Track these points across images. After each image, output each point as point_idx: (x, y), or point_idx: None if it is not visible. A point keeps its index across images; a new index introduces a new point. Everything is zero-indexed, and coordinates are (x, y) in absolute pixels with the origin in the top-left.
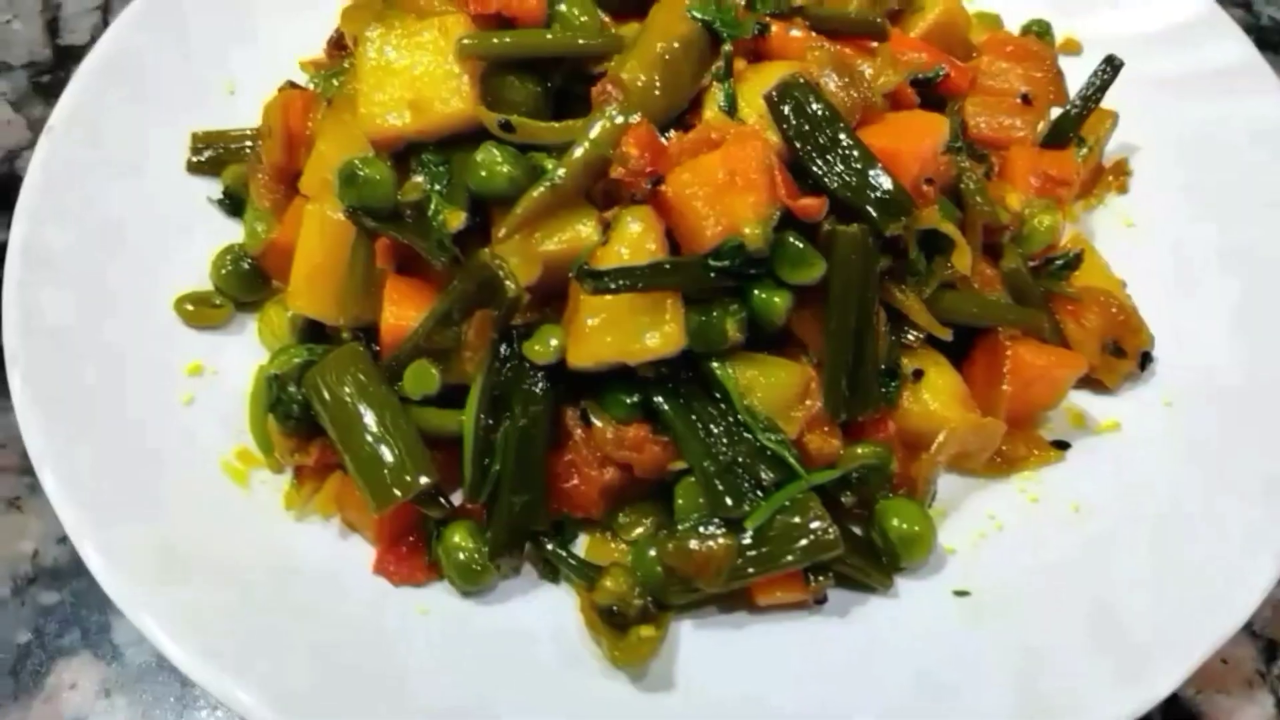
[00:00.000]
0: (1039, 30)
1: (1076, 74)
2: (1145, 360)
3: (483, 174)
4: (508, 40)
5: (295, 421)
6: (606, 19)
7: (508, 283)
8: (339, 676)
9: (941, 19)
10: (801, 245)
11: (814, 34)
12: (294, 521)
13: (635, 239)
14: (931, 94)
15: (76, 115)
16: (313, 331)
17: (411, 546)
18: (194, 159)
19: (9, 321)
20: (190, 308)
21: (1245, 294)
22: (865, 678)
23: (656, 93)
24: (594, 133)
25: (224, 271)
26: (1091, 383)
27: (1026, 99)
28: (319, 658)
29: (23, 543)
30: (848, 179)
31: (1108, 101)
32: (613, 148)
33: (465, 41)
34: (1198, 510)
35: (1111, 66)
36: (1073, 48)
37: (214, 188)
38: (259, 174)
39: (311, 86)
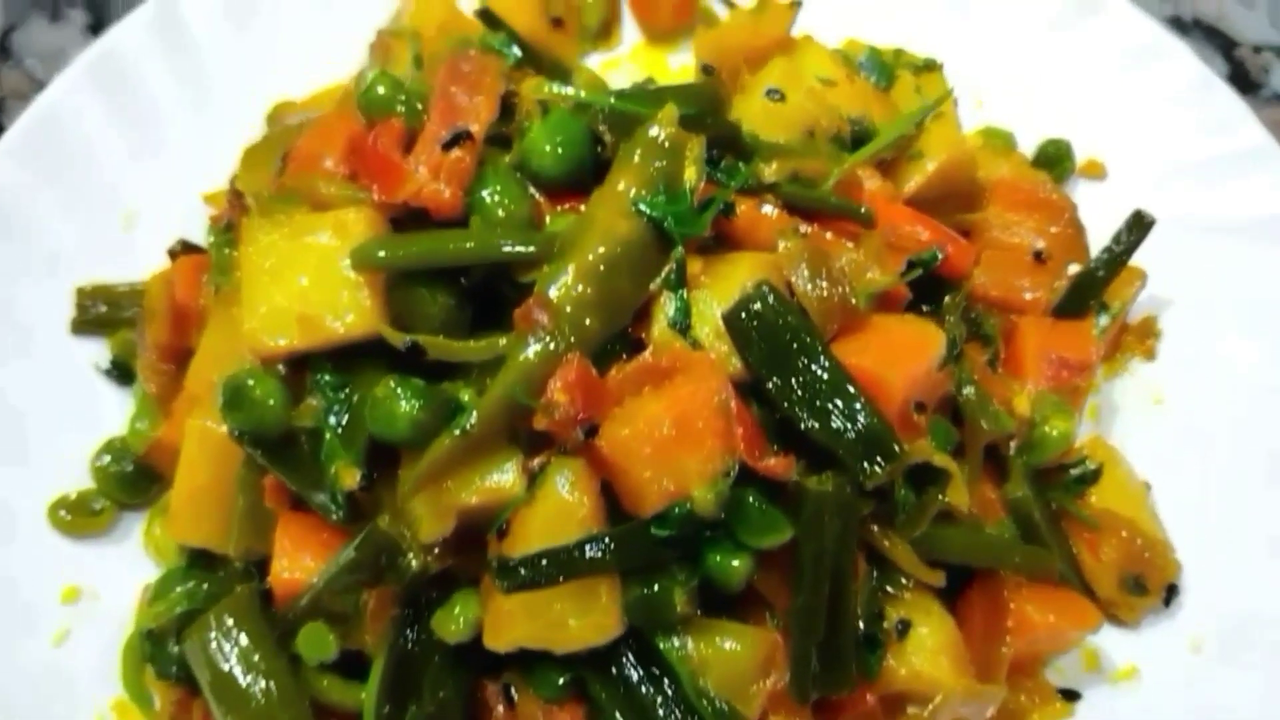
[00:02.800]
0: (1055, 151)
1: (1099, 202)
2: (1170, 595)
3: (383, 416)
4: (415, 250)
5: (168, 677)
6: (540, 199)
7: (410, 557)
8: None
9: (945, 168)
10: (764, 507)
11: (786, 213)
12: None
13: (563, 503)
14: (924, 277)
15: None
16: (202, 553)
17: None
18: (79, 319)
19: None
20: (67, 516)
21: None
22: None
23: (591, 315)
24: (515, 367)
25: (104, 471)
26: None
27: (1040, 256)
28: None
29: None
30: (822, 416)
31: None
32: (538, 387)
33: (361, 252)
34: None
35: (1141, 224)
36: (1095, 171)
37: (101, 351)
38: (144, 351)
39: (208, 240)
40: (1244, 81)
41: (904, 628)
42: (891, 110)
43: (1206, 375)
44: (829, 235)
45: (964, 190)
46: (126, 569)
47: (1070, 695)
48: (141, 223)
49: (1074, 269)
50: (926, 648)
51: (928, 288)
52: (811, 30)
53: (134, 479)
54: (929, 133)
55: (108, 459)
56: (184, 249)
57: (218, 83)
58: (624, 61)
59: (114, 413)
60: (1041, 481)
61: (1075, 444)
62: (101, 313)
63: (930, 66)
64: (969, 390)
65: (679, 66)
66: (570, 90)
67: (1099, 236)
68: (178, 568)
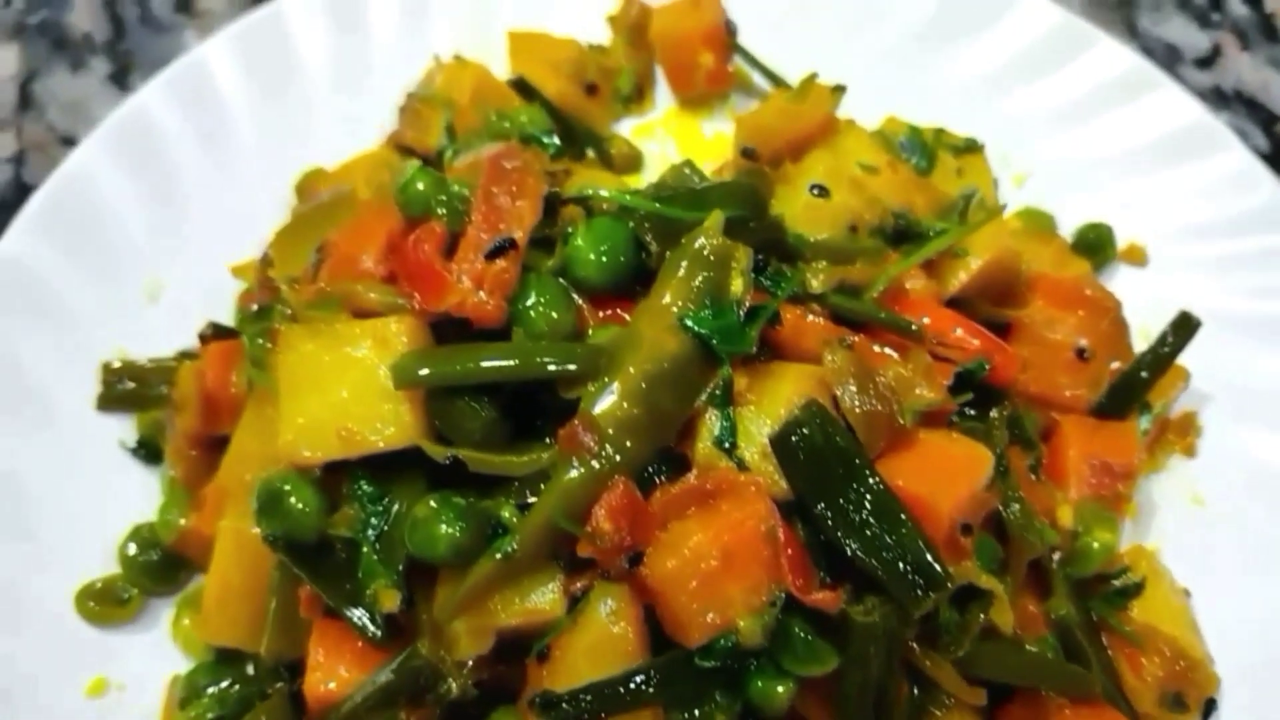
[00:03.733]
0: (1095, 236)
1: (1139, 287)
2: (1209, 709)
3: (423, 538)
4: (457, 366)
5: None
6: (583, 305)
7: (450, 681)
8: None
9: (989, 267)
10: (809, 637)
11: (831, 322)
12: None
13: (607, 632)
14: (972, 382)
15: None
16: (226, 652)
17: None
18: (105, 395)
19: None
20: (94, 605)
21: None
22: None
23: (634, 438)
24: (559, 493)
25: (132, 560)
26: None
27: (1083, 354)
28: None
29: None
30: (869, 543)
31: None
32: (582, 512)
33: (402, 368)
34: None
35: (1187, 326)
36: (1137, 257)
37: (127, 429)
38: (173, 438)
39: (237, 321)
40: None
41: None
42: (933, 196)
43: (1246, 475)
44: (875, 347)
45: (1007, 285)
46: (154, 659)
47: None
48: (167, 294)
49: (1116, 366)
50: None
51: (972, 396)
52: (851, 109)
53: (162, 567)
54: (980, 229)
55: (135, 548)
56: (214, 333)
57: (244, 148)
58: (656, 127)
59: (140, 492)
60: (1083, 592)
61: (1118, 553)
62: (128, 389)
63: (971, 148)
64: (1015, 508)
65: (713, 134)
66: (613, 192)
67: (1137, 322)
68: (206, 663)
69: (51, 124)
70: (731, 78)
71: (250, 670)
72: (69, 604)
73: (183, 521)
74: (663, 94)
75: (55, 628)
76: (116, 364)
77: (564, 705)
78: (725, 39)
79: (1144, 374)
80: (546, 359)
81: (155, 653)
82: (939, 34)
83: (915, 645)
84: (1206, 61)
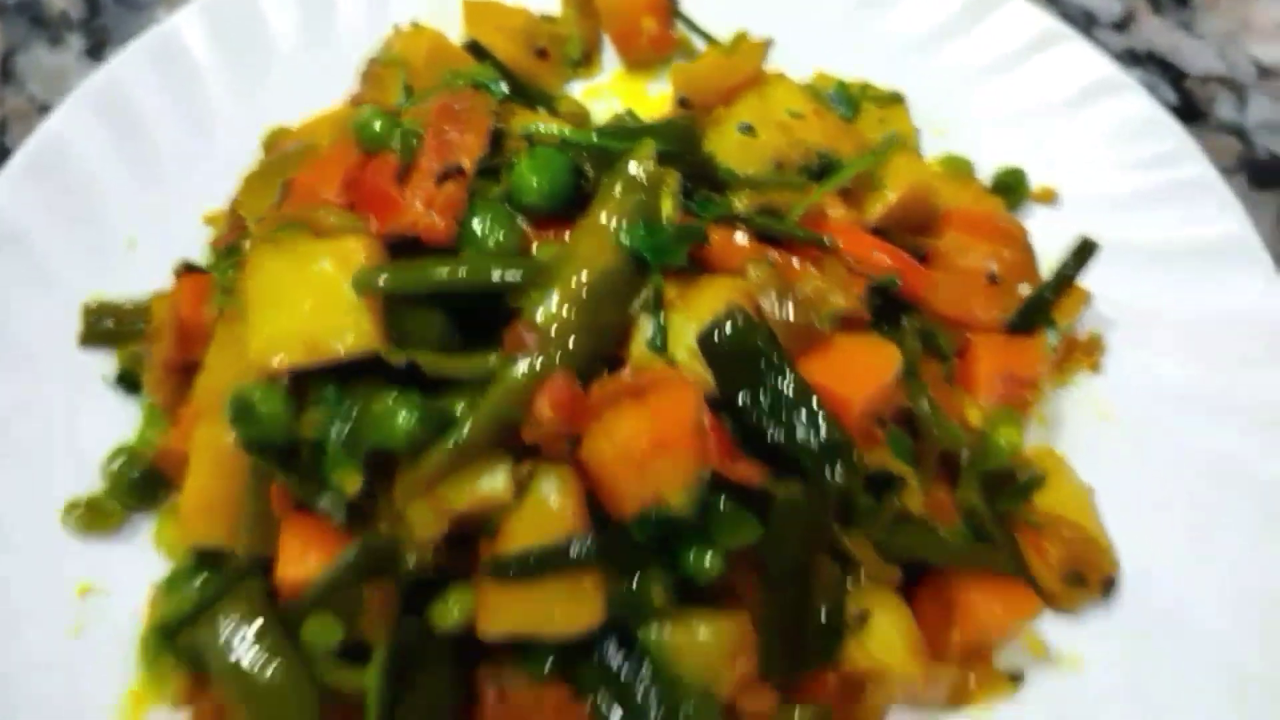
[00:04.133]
0: (1010, 180)
1: (1050, 227)
2: (1108, 587)
3: (382, 428)
4: (412, 276)
5: (188, 667)
6: (527, 228)
7: (408, 555)
8: None
9: (906, 198)
10: (735, 510)
11: (756, 242)
12: None
13: (549, 509)
14: (886, 299)
15: None
16: (206, 554)
17: None
18: (87, 333)
19: None
20: (79, 518)
21: (1231, 518)
22: None
23: (575, 337)
24: (504, 386)
25: (116, 478)
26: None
27: (994, 278)
28: None
29: None
30: (788, 428)
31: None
32: (525, 404)
33: (362, 278)
34: None
35: (1086, 250)
36: (1048, 197)
37: (108, 363)
38: (151, 366)
39: (209, 262)
40: (1192, 110)
41: (863, 617)
42: (858, 141)
43: (1148, 392)
44: (796, 262)
45: (924, 217)
46: (137, 567)
47: (1015, 678)
48: (143, 244)
49: (1025, 290)
50: (883, 635)
51: (887, 309)
52: (783, 66)
53: (143, 484)
54: (891, 163)
55: (118, 464)
56: (187, 270)
57: (215, 109)
58: (604, 90)
59: (122, 422)
60: (992, 487)
61: (1024, 452)
62: (108, 327)
63: (895, 99)
64: (924, 404)
65: (657, 94)
66: (555, 128)
67: (1050, 260)
68: (187, 565)
69: (32, 95)
70: (674, 42)
71: (228, 572)
72: (56, 519)
73: (161, 440)
74: (610, 58)
75: (45, 541)
76: (96, 305)
77: (511, 567)
78: (667, 6)
79: (1047, 295)
80: (493, 269)
81: (138, 561)
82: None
83: (838, 528)
84: (1121, 25)
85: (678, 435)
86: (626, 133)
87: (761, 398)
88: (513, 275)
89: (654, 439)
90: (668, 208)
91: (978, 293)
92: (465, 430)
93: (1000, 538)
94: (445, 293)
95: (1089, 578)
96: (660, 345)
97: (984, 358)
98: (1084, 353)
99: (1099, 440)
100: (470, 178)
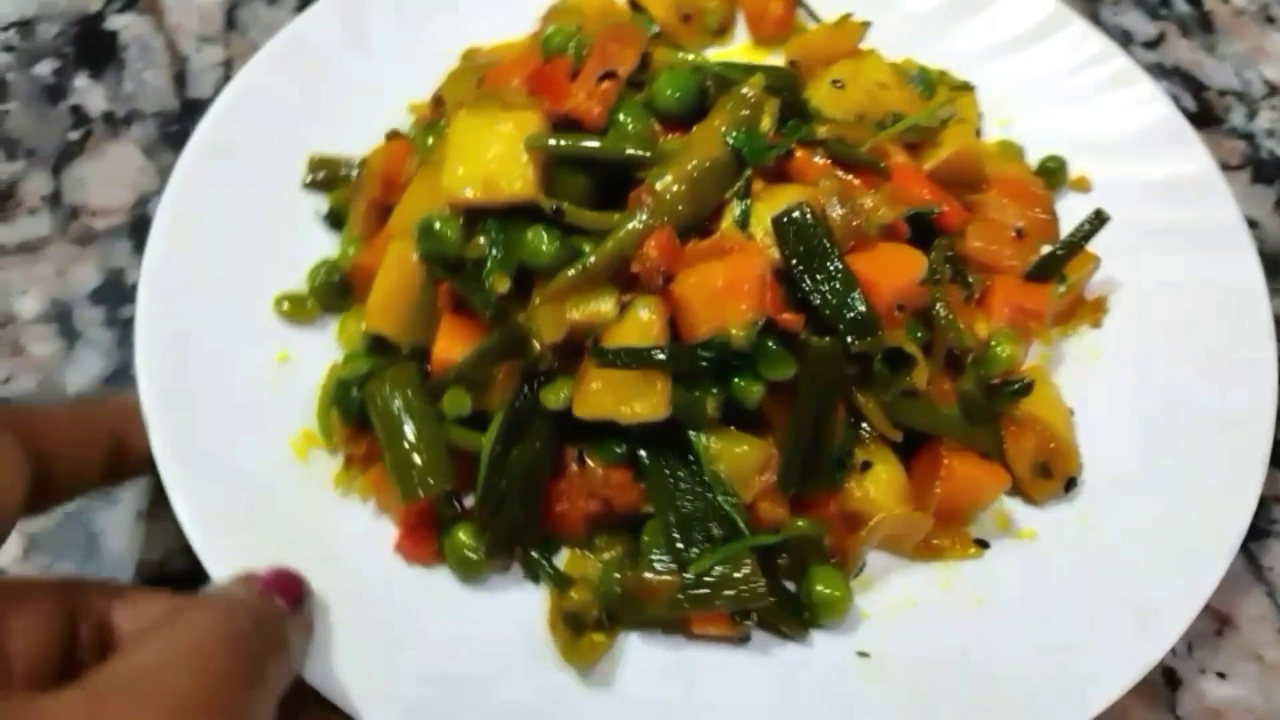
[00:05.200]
0: (1053, 165)
1: (1082, 209)
2: (1070, 485)
3: (530, 249)
4: (565, 143)
5: (352, 418)
6: (659, 128)
7: (534, 342)
8: (345, 627)
9: (953, 158)
10: (777, 349)
11: (830, 163)
12: (338, 497)
13: (642, 324)
14: (927, 226)
15: (215, 138)
16: (379, 343)
17: (426, 534)
18: (309, 178)
19: (141, 329)
20: (286, 306)
21: (1184, 444)
22: (770, 709)
23: (682, 205)
24: (624, 231)
25: (317, 281)
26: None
27: (1020, 233)
28: (335, 606)
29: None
30: (830, 298)
31: (1102, 246)
32: (637, 246)
33: (533, 138)
34: (1082, 623)
35: (1098, 220)
36: (1082, 185)
37: (323, 203)
38: (358, 203)
39: (411, 133)
40: (1208, 118)
41: (866, 465)
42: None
43: (1139, 345)
44: (857, 182)
45: (971, 176)
46: (322, 350)
47: (982, 543)
48: (357, 123)
49: (1045, 249)
50: (879, 481)
51: (927, 234)
52: (878, 47)
53: (337, 289)
54: (949, 130)
55: (321, 272)
56: (395, 135)
57: (424, 36)
58: (733, 56)
59: (327, 247)
60: (987, 388)
61: (1019, 366)
62: (324, 177)
63: (966, 88)
64: (940, 307)
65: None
66: (690, 56)
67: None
68: (361, 349)
69: (253, 41)
70: (794, 24)
71: (393, 358)
72: (270, 307)
73: (357, 257)
74: (741, 33)
75: (261, 321)
76: (318, 158)
77: (608, 354)
78: None
79: (1061, 251)
80: (628, 146)
81: (324, 346)
82: (955, 13)
83: (856, 390)
84: (1152, 44)
85: (745, 285)
86: (744, 68)
87: (814, 274)
88: (642, 153)
89: (727, 284)
90: (766, 124)
91: (1006, 243)
92: (590, 260)
93: (986, 423)
94: (591, 160)
95: (1054, 472)
96: (744, 223)
97: (1000, 291)
98: (1089, 310)
99: (1087, 375)
100: (622, 82)
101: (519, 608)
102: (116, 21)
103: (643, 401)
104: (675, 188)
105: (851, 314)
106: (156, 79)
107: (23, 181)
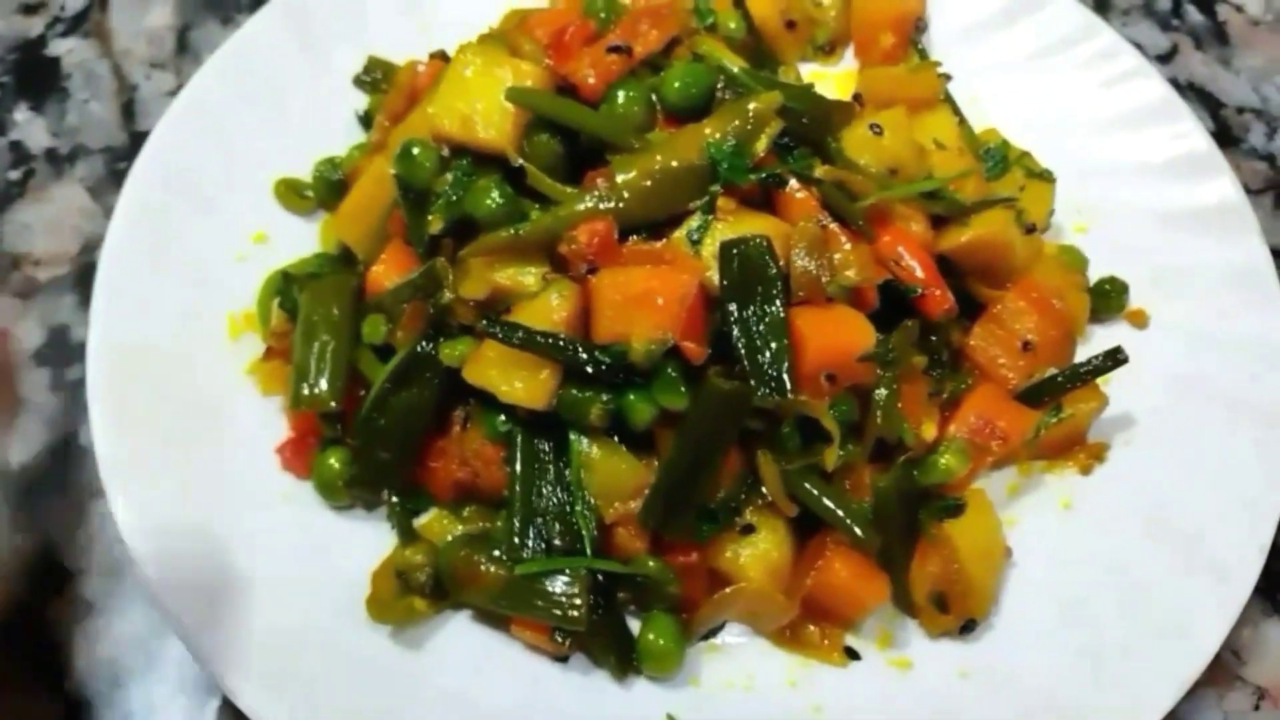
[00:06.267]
0: (1110, 288)
1: (1145, 348)
2: (967, 627)
3: (477, 198)
4: (546, 104)
5: (286, 311)
6: (662, 119)
7: (446, 290)
8: (202, 491)
9: (975, 242)
10: (675, 377)
11: (817, 205)
12: (245, 381)
13: (549, 308)
14: (907, 306)
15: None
16: (348, 255)
17: (307, 448)
18: (359, 77)
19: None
20: (284, 188)
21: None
22: None
23: (635, 200)
24: (566, 210)
25: (318, 174)
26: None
27: (1028, 346)
28: (203, 472)
29: None
30: (750, 341)
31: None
32: (572, 228)
33: (519, 92)
34: None
35: (1114, 358)
36: (1138, 320)
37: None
38: (380, 113)
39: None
40: (1226, 137)
41: (748, 529)
42: (982, 193)
43: (1117, 502)
44: (841, 235)
45: (994, 268)
46: (301, 237)
47: (851, 654)
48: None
49: (1051, 371)
50: (755, 550)
51: (909, 316)
52: (974, 99)
53: (333, 187)
54: (988, 216)
55: (324, 166)
56: (440, 56)
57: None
58: (829, 79)
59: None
60: (916, 497)
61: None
62: (373, 78)
63: (1045, 177)
64: (883, 393)
65: None
66: (715, 54)
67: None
68: (326, 253)
69: None
70: (903, 59)
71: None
72: (269, 190)
73: (359, 161)
74: (850, 56)
75: (255, 199)
76: (373, 60)
77: (500, 329)
78: (909, 29)
79: (1060, 379)
80: (603, 123)
81: (304, 236)
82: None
83: (761, 450)
84: (1165, 58)
85: (662, 300)
86: (770, 81)
87: (744, 312)
88: (616, 134)
89: (644, 293)
90: (759, 143)
91: (1009, 351)
92: (526, 226)
93: (889, 529)
94: (567, 127)
95: (951, 608)
96: (695, 239)
97: (978, 400)
98: (1085, 452)
99: (1056, 526)
100: (634, 60)
101: (365, 550)
102: (59, 47)
103: (526, 385)
104: (634, 180)
105: (766, 364)
106: (102, 110)
107: None
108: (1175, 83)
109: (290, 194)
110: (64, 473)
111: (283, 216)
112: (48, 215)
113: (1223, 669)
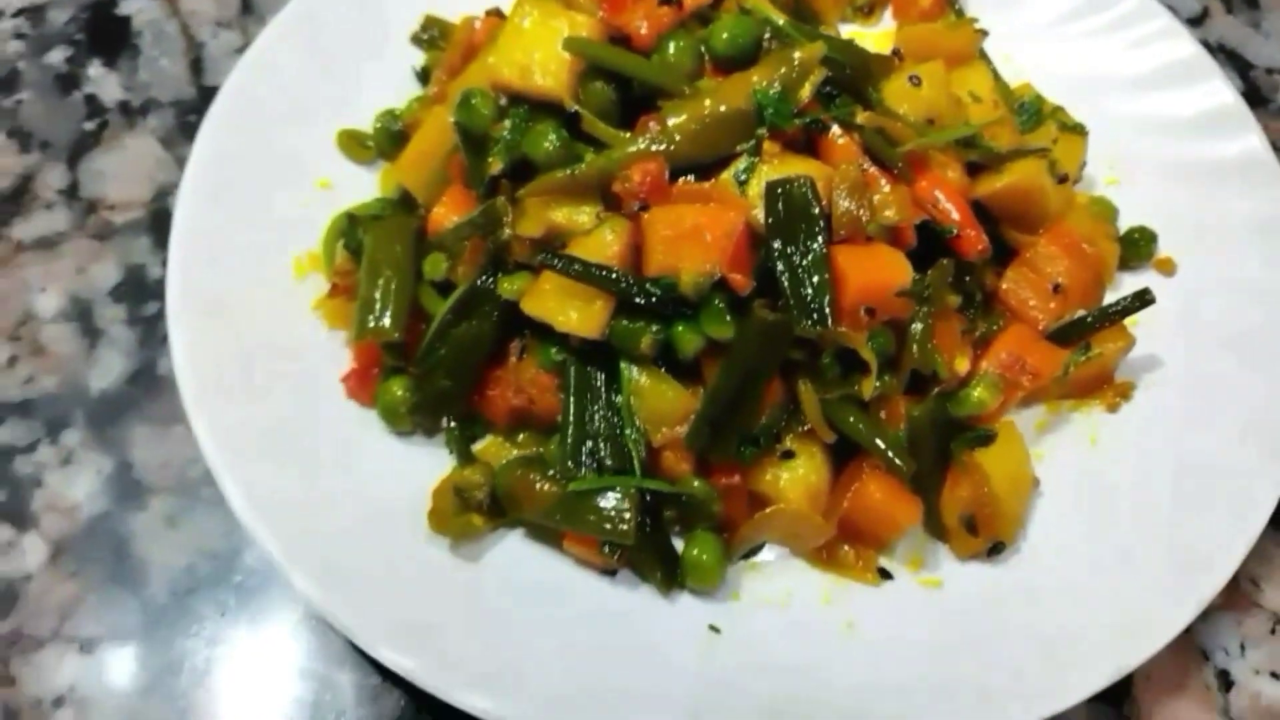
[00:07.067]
0: (1139, 236)
1: (1172, 293)
2: (995, 549)
3: (534, 141)
4: (601, 53)
5: (350, 251)
6: (710, 69)
7: (506, 228)
8: (275, 416)
9: (1009, 189)
10: (722, 307)
11: (859, 151)
12: (314, 318)
13: (603, 243)
14: (944, 247)
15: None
16: (407, 199)
17: (370, 378)
18: (417, 34)
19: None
20: (347, 139)
21: (1135, 574)
22: (602, 648)
23: (686, 142)
24: (620, 152)
25: (379, 125)
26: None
27: (1058, 289)
28: (275, 398)
29: None
30: (794, 275)
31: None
32: (626, 168)
33: (575, 41)
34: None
35: (1142, 300)
36: (1166, 268)
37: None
38: (439, 67)
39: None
40: (1256, 97)
41: (788, 454)
42: (1015, 143)
43: (1142, 438)
44: (882, 178)
45: (1028, 215)
46: (363, 183)
47: (885, 574)
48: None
49: (1080, 313)
50: (795, 474)
51: (942, 253)
52: (1008, 58)
53: (393, 137)
54: (1021, 165)
55: (385, 118)
56: (495, 13)
57: None
58: (868, 38)
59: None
60: (949, 427)
61: (992, 420)
62: (430, 36)
63: (1078, 130)
64: (916, 325)
65: None
66: (763, 7)
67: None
68: (388, 198)
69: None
70: (943, 15)
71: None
72: (333, 141)
73: (419, 112)
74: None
75: (320, 147)
76: (430, 18)
77: (557, 260)
78: None
79: (1089, 319)
80: (657, 72)
81: (365, 183)
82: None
83: (801, 378)
84: (1196, 21)
85: (711, 235)
86: (814, 34)
87: (788, 248)
88: (668, 81)
89: (694, 228)
90: (805, 91)
91: (1040, 293)
92: (583, 165)
93: (923, 456)
94: (622, 75)
95: (980, 531)
96: (742, 180)
97: (1009, 338)
98: (1112, 391)
99: (1081, 459)
100: (685, 12)
101: (423, 472)
102: (129, 6)
103: (581, 315)
104: (684, 124)
105: (809, 297)
106: (172, 66)
107: (38, 175)
108: (1206, 44)
109: (352, 144)
110: (141, 400)
111: (345, 165)
112: (122, 163)
113: (1241, 595)
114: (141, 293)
